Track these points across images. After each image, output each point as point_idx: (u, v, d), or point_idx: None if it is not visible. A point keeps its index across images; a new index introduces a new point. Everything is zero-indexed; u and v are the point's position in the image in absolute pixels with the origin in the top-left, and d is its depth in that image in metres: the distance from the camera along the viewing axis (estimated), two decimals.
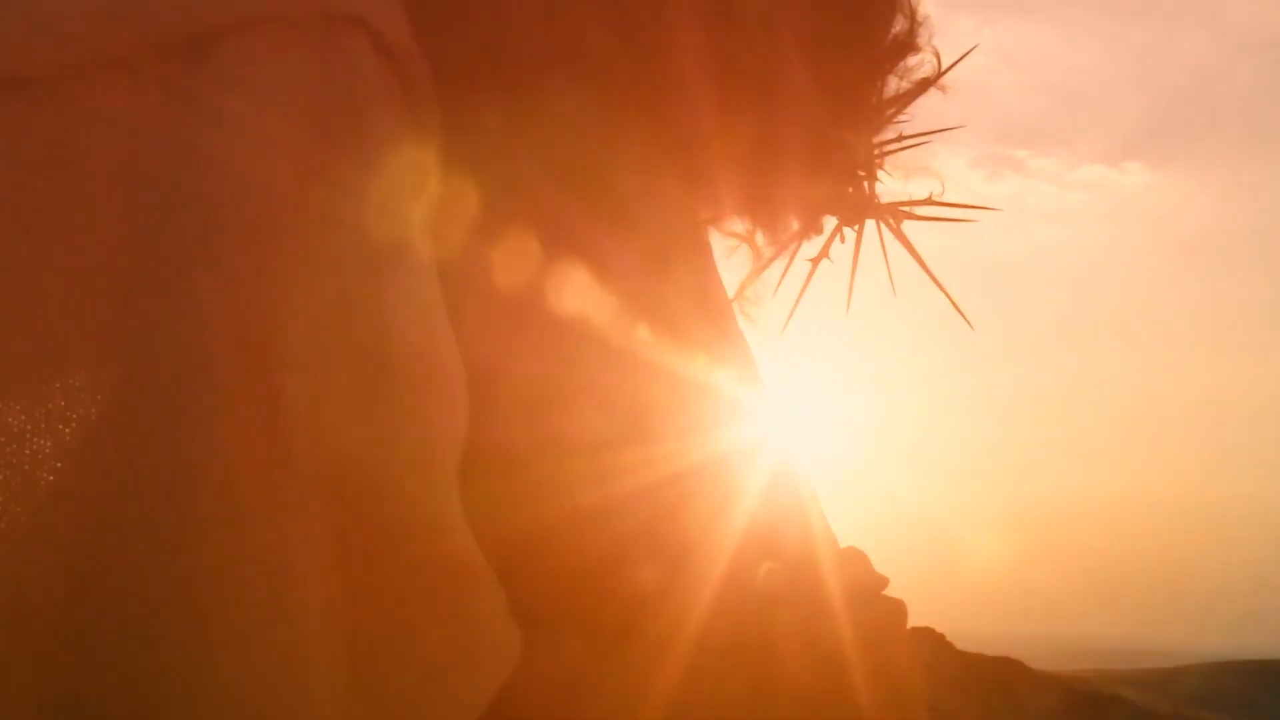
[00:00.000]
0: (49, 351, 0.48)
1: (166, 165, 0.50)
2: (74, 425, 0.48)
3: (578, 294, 0.62)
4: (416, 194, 0.58)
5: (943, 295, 0.72)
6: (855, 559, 0.73)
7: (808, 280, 0.74)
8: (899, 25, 0.78)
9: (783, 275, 0.74)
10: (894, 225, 0.70)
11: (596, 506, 0.62)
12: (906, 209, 0.73)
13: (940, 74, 0.72)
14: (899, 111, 0.72)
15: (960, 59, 0.72)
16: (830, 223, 0.75)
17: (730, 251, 0.75)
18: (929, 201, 0.74)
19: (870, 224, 0.74)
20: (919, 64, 0.79)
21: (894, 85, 0.78)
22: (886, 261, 0.71)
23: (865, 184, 0.74)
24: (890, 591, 0.70)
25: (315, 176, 0.53)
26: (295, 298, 0.51)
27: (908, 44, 0.78)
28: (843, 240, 0.74)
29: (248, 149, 0.51)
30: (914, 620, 0.82)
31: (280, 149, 0.52)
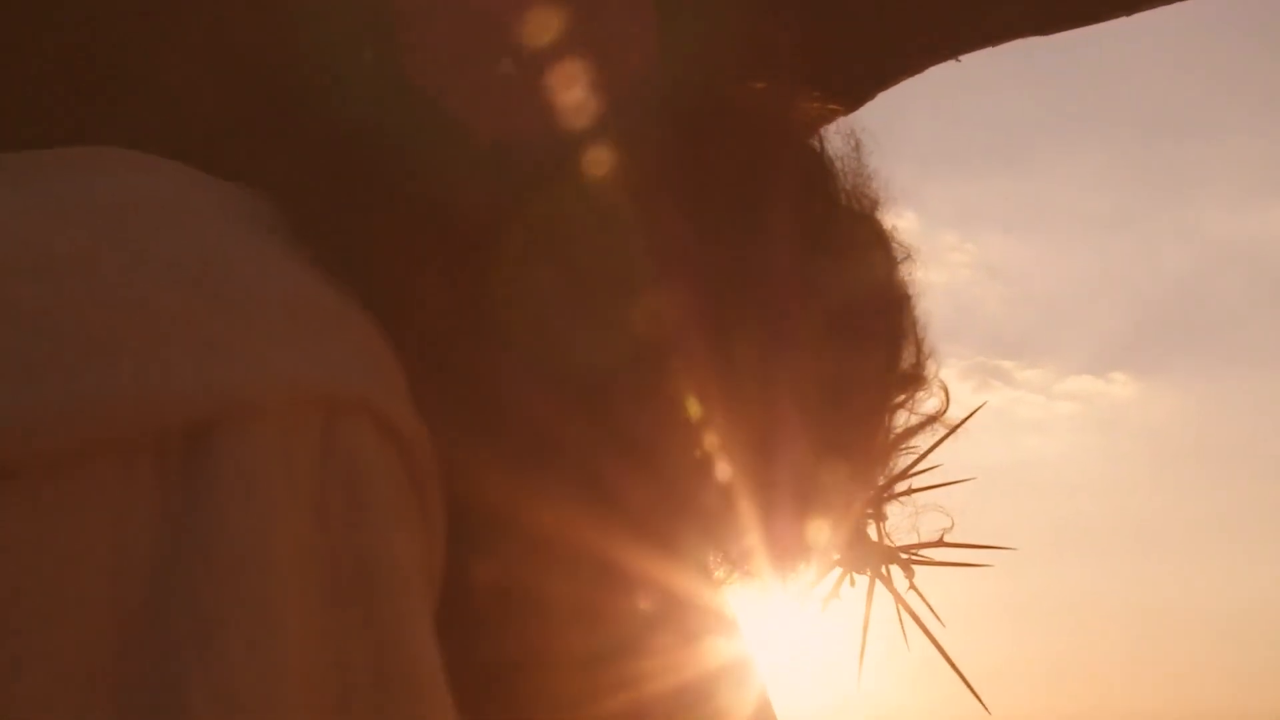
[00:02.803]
0: None
1: (159, 559, 0.49)
2: None
3: (572, 512, 0.61)
4: (422, 576, 0.57)
5: (946, 645, 0.70)
6: None
7: (818, 621, 0.73)
8: (907, 359, 0.78)
9: (795, 615, 0.73)
10: (889, 584, 0.69)
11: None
12: (915, 554, 0.72)
13: (956, 426, 0.71)
14: (912, 467, 0.71)
15: (971, 415, 0.72)
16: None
17: (740, 588, 0.74)
18: (940, 543, 0.73)
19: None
20: (927, 397, 0.79)
21: (902, 419, 0.78)
22: (900, 615, 0.70)
23: (873, 527, 0.73)
24: None
25: (317, 569, 0.52)
26: (295, 694, 0.49)
27: (915, 378, 0.78)
28: (853, 584, 0.73)
29: (246, 542, 0.50)
30: None
31: (280, 542, 0.51)
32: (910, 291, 0.75)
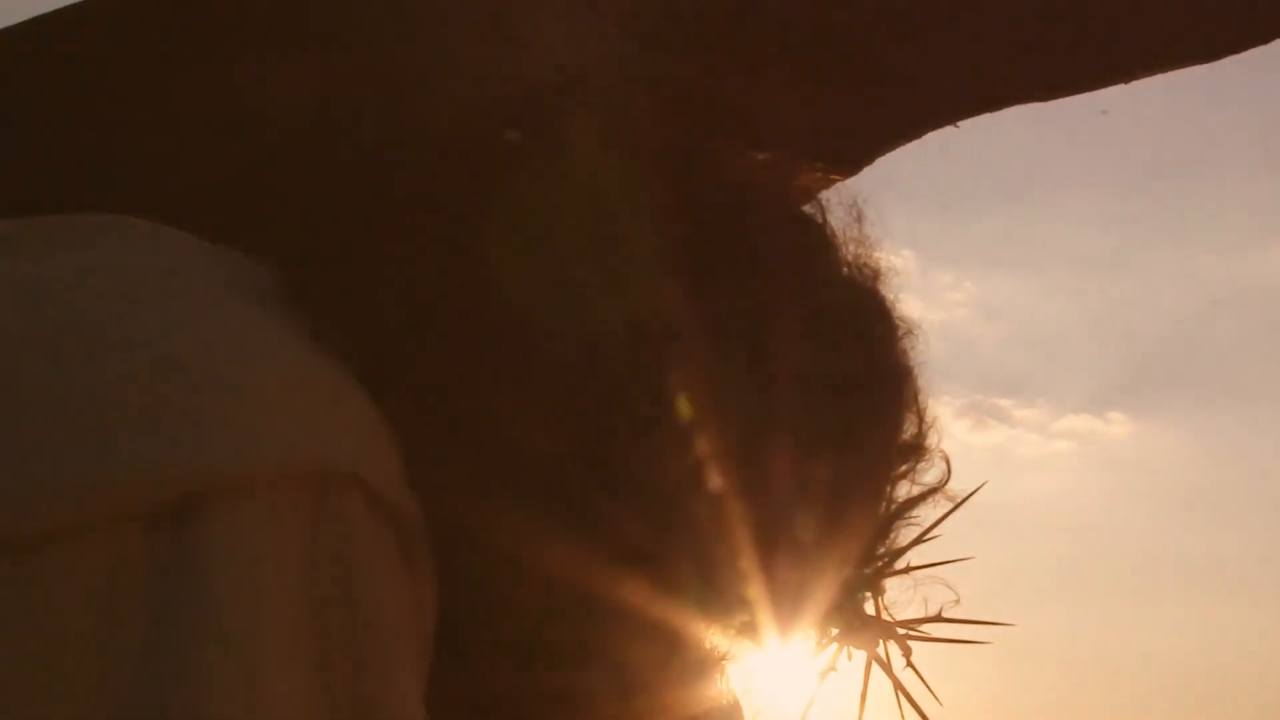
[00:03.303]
0: None
1: (149, 629, 0.50)
2: None
3: (568, 553, 0.61)
4: (411, 635, 0.57)
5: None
6: None
7: (813, 696, 0.72)
8: (909, 429, 0.77)
9: (796, 679, 0.72)
10: (885, 667, 0.69)
11: None
12: (914, 629, 0.71)
13: (958, 504, 0.71)
14: (915, 544, 0.71)
15: (973, 493, 0.72)
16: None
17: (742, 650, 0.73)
18: (938, 618, 0.72)
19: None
20: (927, 468, 0.78)
21: (903, 490, 0.77)
22: (897, 696, 0.69)
23: (871, 601, 0.72)
24: None
25: (305, 633, 0.52)
26: None
27: (917, 447, 0.78)
28: (850, 658, 0.72)
29: (233, 609, 0.51)
30: None
31: (268, 608, 0.51)
32: (912, 364, 0.75)
